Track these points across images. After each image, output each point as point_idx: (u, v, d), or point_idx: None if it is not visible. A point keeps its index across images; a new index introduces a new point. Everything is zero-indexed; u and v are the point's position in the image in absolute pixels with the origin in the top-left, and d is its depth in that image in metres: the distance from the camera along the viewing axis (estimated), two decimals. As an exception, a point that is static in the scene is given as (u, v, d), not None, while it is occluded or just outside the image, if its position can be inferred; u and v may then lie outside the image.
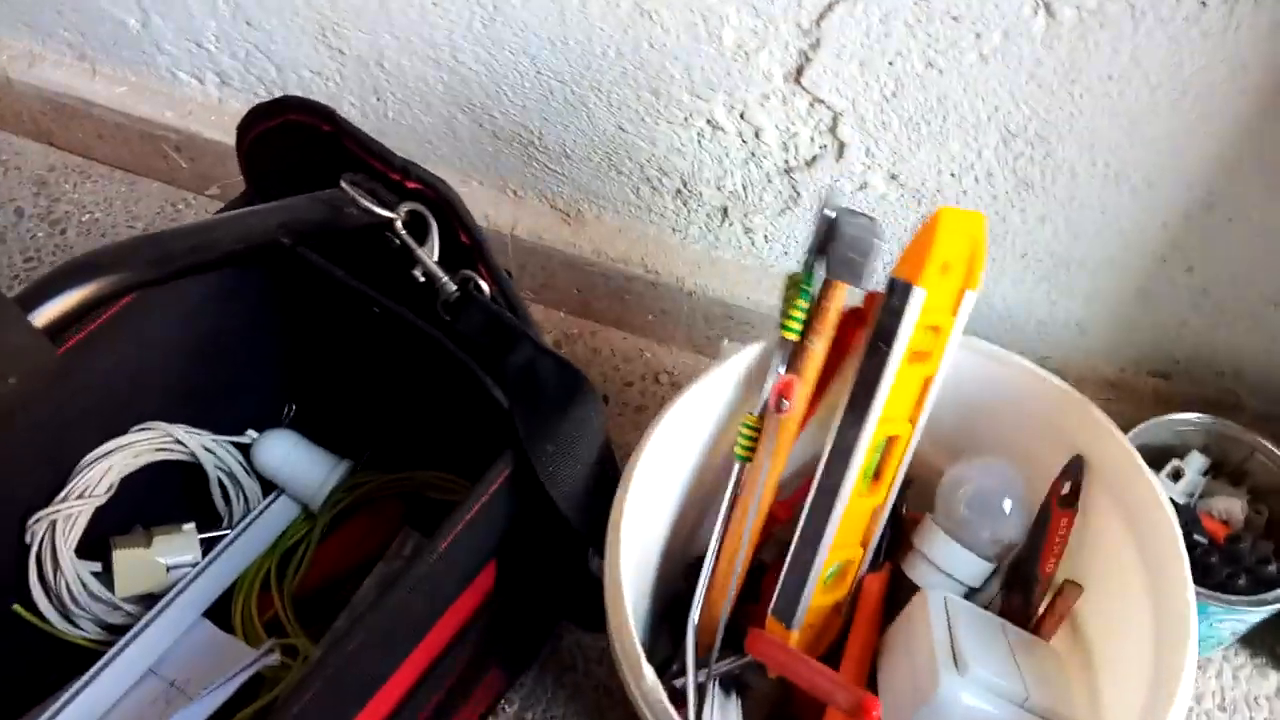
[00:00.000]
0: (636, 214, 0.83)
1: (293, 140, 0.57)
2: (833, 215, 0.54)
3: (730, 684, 0.60)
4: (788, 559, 0.58)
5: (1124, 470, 0.57)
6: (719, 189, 0.78)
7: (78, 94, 0.97)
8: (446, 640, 0.57)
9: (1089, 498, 0.59)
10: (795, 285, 0.55)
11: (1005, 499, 0.60)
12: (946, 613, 0.56)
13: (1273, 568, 0.65)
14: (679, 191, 0.79)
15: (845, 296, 0.55)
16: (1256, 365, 0.73)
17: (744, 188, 0.76)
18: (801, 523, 0.57)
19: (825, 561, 0.57)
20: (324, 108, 0.54)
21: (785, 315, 0.56)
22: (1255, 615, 0.64)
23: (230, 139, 0.60)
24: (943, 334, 0.54)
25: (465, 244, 0.52)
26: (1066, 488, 0.59)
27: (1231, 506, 0.70)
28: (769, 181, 0.75)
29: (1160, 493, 0.54)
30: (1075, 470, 0.59)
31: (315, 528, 0.71)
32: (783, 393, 0.55)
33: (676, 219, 0.82)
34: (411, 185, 0.52)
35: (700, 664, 0.58)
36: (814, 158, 0.72)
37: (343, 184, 0.52)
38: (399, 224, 0.52)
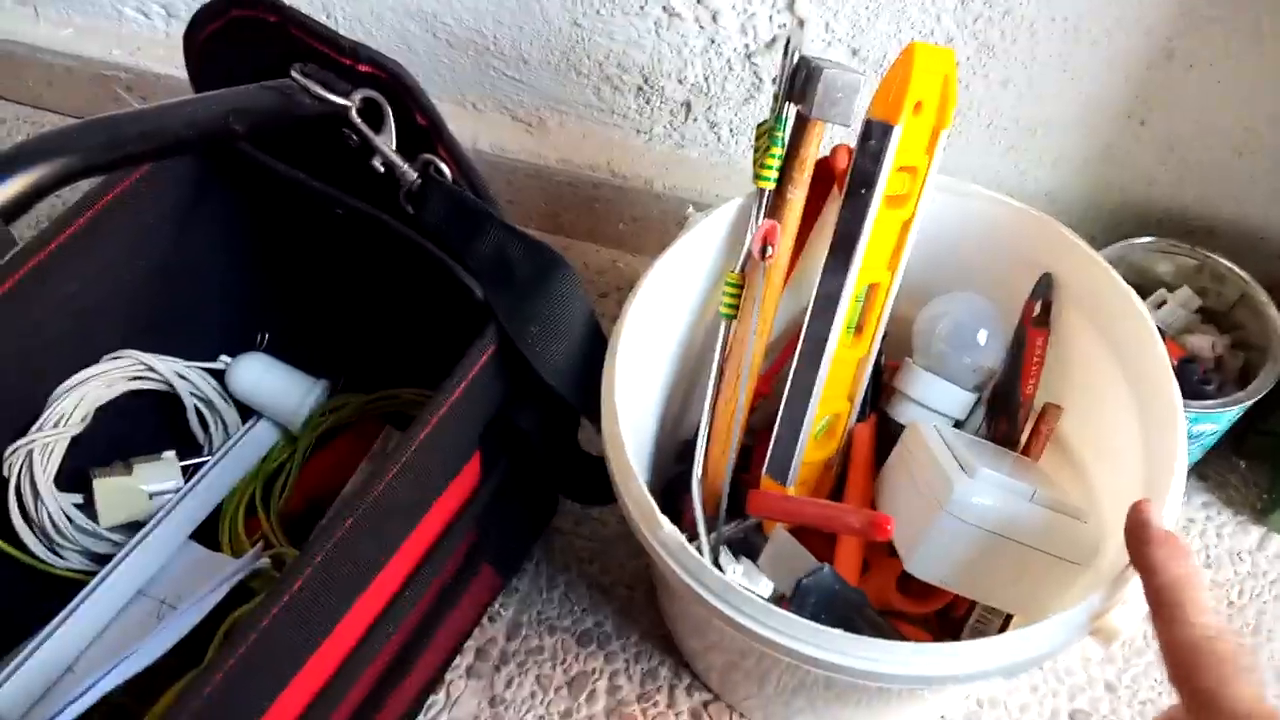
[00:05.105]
0: (599, 117, 0.82)
1: (240, 40, 0.55)
2: (810, 58, 0.52)
3: (736, 550, 0.60)
4: (779, 414, 0.58)
5: (1093, 281, 0.56)
6: (680, 82, 0.76)
7: (23, 40, 0.94)
8: (435, 535, 0.56)
9: (1061, 315, 0.59)
10: (768, 133, 0.53)
11: (980, 329, 0.60)
12: (941, 435, 0.56)
13: (1211, 387, 0.66)
14: (640, 89, 0.78)
15: (821, 140, 0.53)
16: (1227, 221, 0.73)
17: (705, 79, 0.75)
18: (791, 376, 0.57)
19: (816, 414, 0.57)
20: (268, -1, 0.53)
21: (759, 165, 0.54)
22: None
23: (181, 72, 0.59)
24: (919, 176, 0.54)
25: (422, 126, 0.51)
26: (1038, 308, 0.59)
27: (1204, 344, 0.69)
28: (730, 69, 0.74)
29: (1132, 295, 0.54)
30: (1044, 288, 0.59)
31: (297, 449, 0.71)
32: (767, 238, 0.54)
33: (640, 119, 0.81)
34: (363, 69, 0.50)
35: (708, 529, 0.58)
36: (773, 39, 0.71)
37: (293, 73, 0.51)
38: (354, 112, 0.51)
